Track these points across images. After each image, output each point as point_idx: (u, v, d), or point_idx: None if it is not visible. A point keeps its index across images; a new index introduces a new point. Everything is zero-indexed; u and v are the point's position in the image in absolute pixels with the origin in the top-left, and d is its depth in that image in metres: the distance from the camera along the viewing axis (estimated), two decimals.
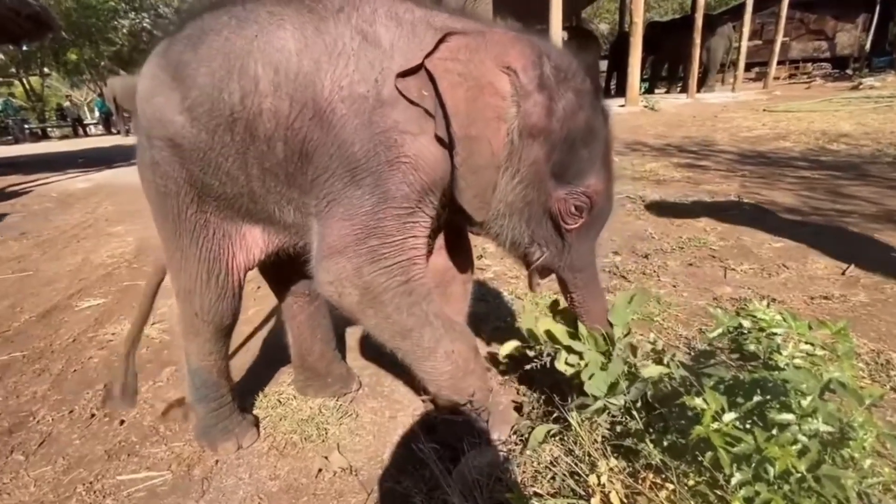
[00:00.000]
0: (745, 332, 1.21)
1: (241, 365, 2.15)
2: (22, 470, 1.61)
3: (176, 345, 2.32)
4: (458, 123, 1.08)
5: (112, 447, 1.69)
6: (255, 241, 1.41)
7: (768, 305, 1.26)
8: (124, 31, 16.97)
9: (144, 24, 17.42)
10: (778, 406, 0.98)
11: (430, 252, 1.39)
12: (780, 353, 1.05)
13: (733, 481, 0.89)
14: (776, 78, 15.64)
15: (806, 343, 1.05)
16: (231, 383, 1.64)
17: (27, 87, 22.19)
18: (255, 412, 1.77)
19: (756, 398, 1.03)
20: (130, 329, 1.76)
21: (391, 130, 1.09)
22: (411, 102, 1.08)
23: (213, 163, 1.23)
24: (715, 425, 0.94)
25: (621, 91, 12.51)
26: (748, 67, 16.59)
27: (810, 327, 1.06)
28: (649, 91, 15.18)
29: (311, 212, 1.23)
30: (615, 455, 1.15)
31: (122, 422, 1.82)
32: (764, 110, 9.42)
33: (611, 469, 1.06)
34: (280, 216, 1.31)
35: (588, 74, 1.18)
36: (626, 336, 1.36)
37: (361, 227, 1.14)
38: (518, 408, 1.64)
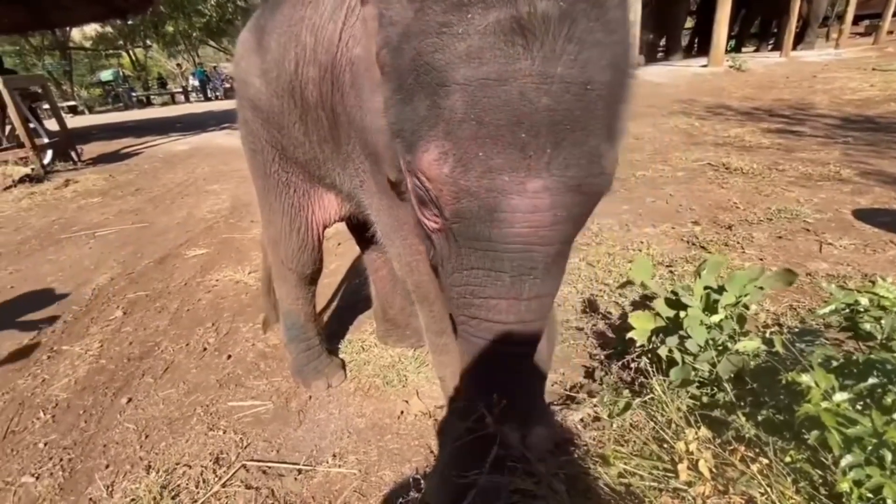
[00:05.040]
0: (862, 310, 1.10)
1: (326, 313, 2.33)
2: (152, 390, 1.90)
3: None
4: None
5: (222, 377, 1.92)
6: (330, 203, 1.49)
7: (873, 285, 1.14)
8: (212, 2, 17.96)
9: None
10: None
11: None
12: None
13: (843, 463, 0.84)
14: (890, 32, 12.99)
15: None
16: (319, 327, 1.80)
17: (133, 58, 24.44)
18: (341, 356, 1.93)
19: (871, 380, 0.95)
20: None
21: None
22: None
23: (285, 127, 1.27)
24: (825, 404, 0.89)
25: (704, 50, 11.23)
26: (856, 20, 13.75)
27: None
28: (736, 49, 13.42)
29: (357, 184, 1.16)
30: (698, 424, 1.12)
31: (229, 356, 2.06)
32: (873, 69, 8.06)
33: (696, 437, 1.03)
34: (340, 184, 1.29)
35: None
36: (736, 304, 1.27)
37: (392, 217, 1.03)
38: (589, 373, 1.64)
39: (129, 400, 1.84)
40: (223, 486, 1.39)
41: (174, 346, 2.19)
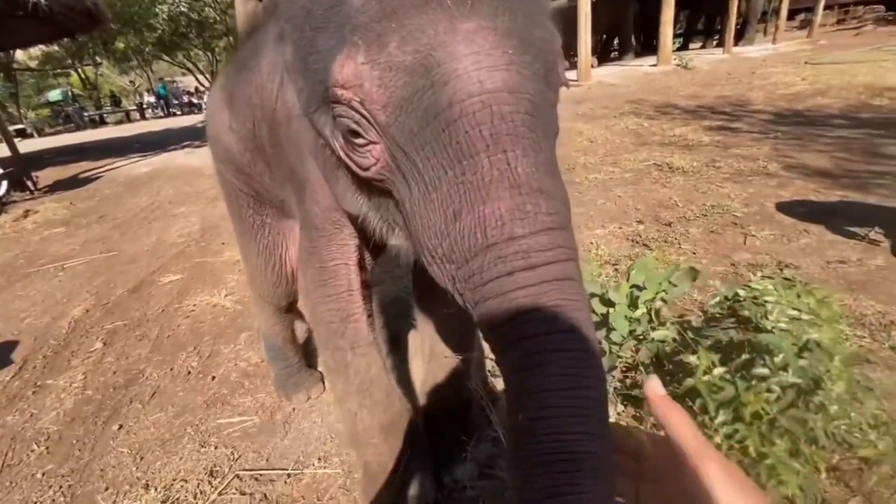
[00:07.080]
0: (741, 300, 1.37)
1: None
2: (142, 415, 2.01)
3: (248, 313, 2.69)
4: None
5: (208, 398, 2.06)
6: None
7: (782, 271, 1.41)
8: (164, 16, 17.56)
9: (181, 9, 17.96)
10: (762, 363, 1.16)
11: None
12: (768, 318, 1.21)
13: (717, 421, 1.08)
14: (822, 25, 13.96)
15: (793, 309, 1.20)
16: (296, 347, 1.96)
17: (82, 76, 23.57)
18: (319, 370, 2.10)
19: (745, 356, 1.21)
20: None
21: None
22: None
23: (255, 176, 1.39)
24: (705, 378, 1.14)
25: (649, 49, 11.85)
26: (792, 15, 14.89)
27: (798, 295, 1.21)
28: (683, 47, 14.15)
29: None
30: (624, 403, 1.37)
31: (213, 377, 2.19)
32: (806, 63, 8.80)
33: (618, 413, 1.27)
34: None
35: None
36: (653, 299, 1.52)
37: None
38: None
39: (120, 426, 1.95)
40: (220, 494, 1.54)
41: (158, 371, 2.30)
